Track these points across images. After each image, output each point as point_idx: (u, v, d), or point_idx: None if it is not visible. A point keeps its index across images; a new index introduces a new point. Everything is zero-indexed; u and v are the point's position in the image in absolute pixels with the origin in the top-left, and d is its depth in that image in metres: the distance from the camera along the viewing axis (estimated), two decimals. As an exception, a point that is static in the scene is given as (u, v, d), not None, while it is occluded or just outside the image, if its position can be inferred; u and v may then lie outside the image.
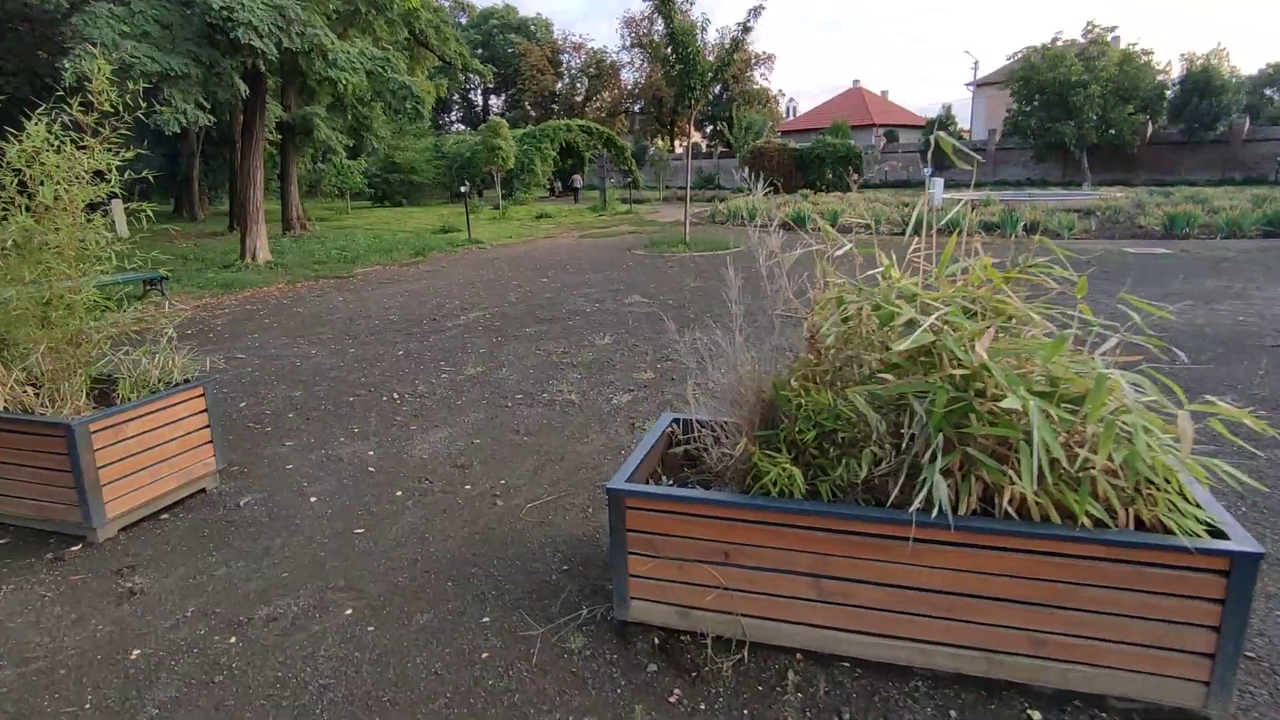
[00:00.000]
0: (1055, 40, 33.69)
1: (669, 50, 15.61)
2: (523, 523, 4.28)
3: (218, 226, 25.45)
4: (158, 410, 4.38)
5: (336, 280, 13.71)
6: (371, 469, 5.10)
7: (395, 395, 6.66)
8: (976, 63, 61.76)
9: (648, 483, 3.27)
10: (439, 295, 11.71)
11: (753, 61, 48.43)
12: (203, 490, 4.77)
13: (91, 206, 4.54)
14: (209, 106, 13.27)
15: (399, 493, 4.72)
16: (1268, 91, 43.38)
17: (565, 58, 57.61)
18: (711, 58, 16.72)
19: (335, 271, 14.36)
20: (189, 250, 18.69)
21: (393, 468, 5.11)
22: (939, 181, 24.02)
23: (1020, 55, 35.24)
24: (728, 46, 16.98)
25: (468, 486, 4.78)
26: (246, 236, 14.67)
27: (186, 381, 4.64)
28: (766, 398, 3.20)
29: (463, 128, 59.21)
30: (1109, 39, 33.19)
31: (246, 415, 6.26)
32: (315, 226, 23.60)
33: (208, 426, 4.74)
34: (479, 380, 7.04)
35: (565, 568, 3.78)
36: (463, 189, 21.53)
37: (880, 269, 3.13)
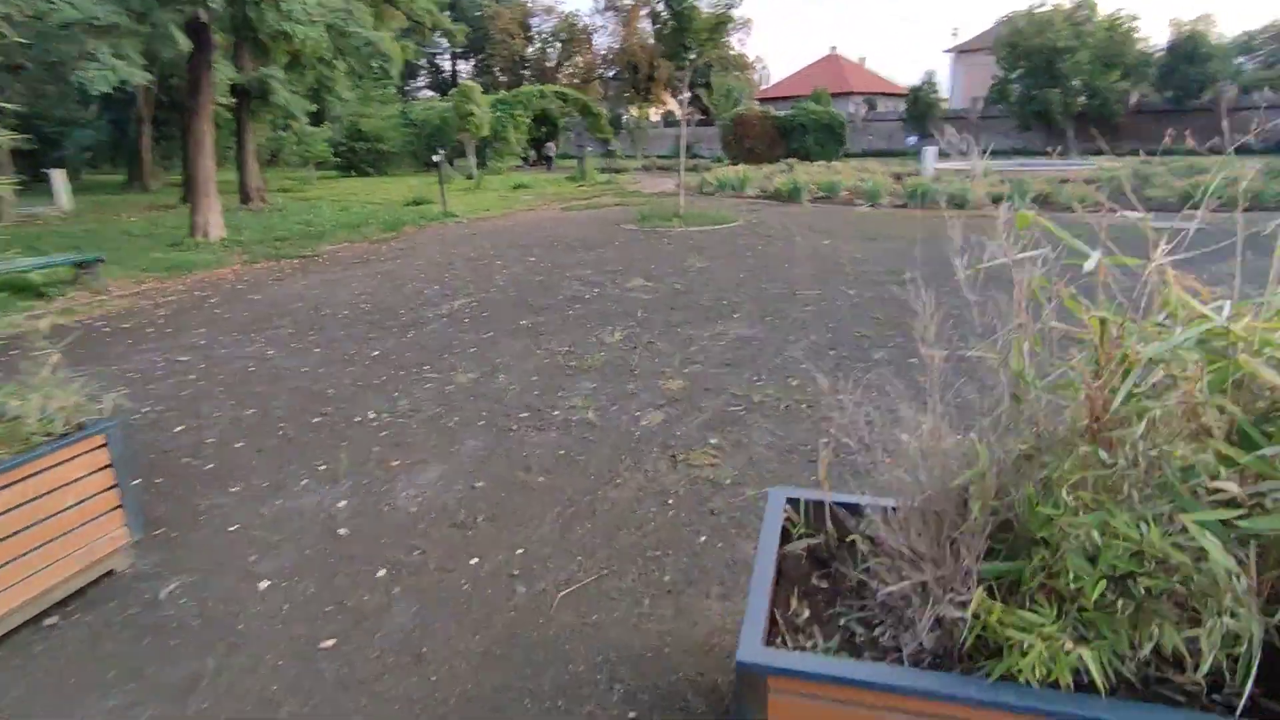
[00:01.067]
0: (1042, 3, 32.53)
1: (659, 4, 14.05)
2: (556, 624, 3.06)
3: (171, 198, 23.40)
4: (34, 475, 3.05)
5: (300, 260, 12.17)
6: (343, 531, 3.82)
7: (371, 414, 5.35)
8: (956, 29, 60.29)
9: (786, 637, 2.06)
10: (416, 278, 10.29)
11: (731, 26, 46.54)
12: (111, 573, 3.46)
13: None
14: (147, 64, 11.52)
15: (381, 572, 3.46)
16: (1239, 60, 42.87)
17: (536, 21, 55.06)
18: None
19: (298, 250, 12.79)
20: (137, 225, 16.88)
21: (371, 529, 3.84)
22: (931, 150, 22.89)
23: (1005, 19, 34.04)
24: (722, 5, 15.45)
25: (474, 560, 3.54)
26: (196, 211, 13.00)
27: (80, 429, 3.29)
28: (990, 502, 1.99)
29: (431, 94, 56.52)
30: (1095, 2, 32.12)
31: (183, 446, 4.91)
32: (276, 199, 21.75)
33: (115, 487, 3.42)
34: (472, 391, 5.75)
35: (633, 715, 2.57)
36: (435, 158, 19.84)
37: (1165, 289, 1.91)
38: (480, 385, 5.87)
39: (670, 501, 4.03)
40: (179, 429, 5.20)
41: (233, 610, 3.21)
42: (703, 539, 3.67)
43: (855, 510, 2.52)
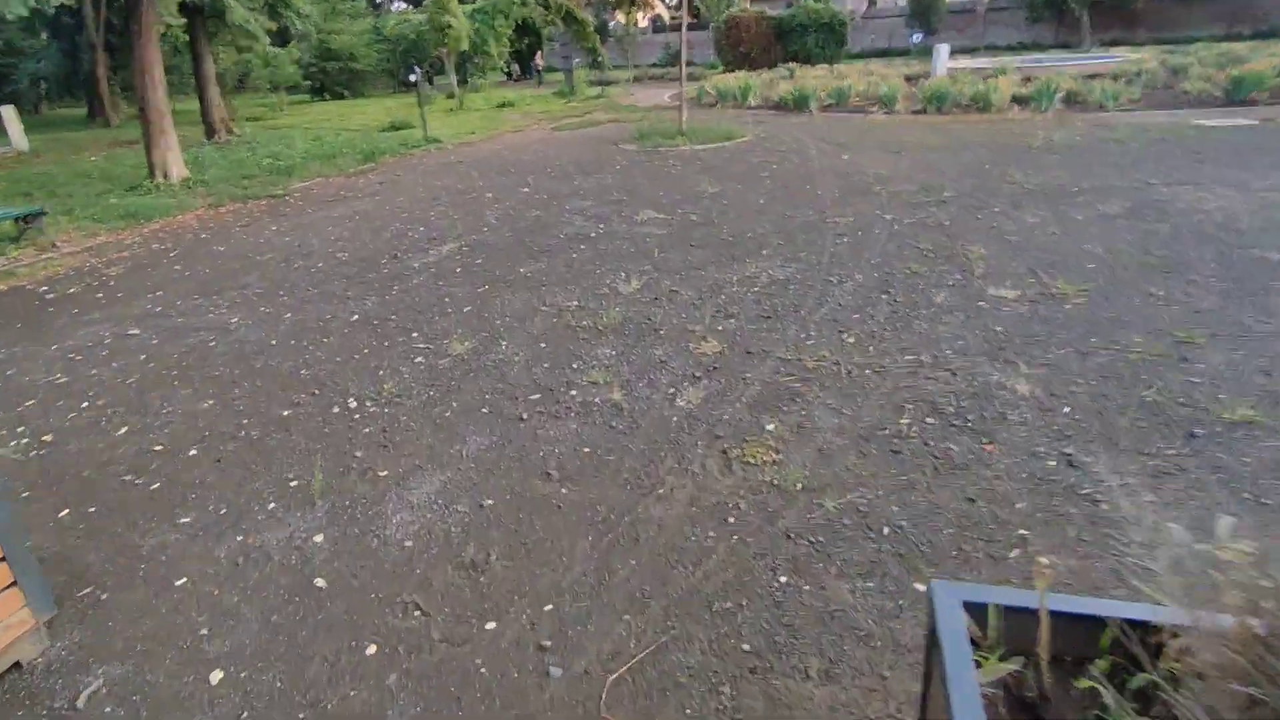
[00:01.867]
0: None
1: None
2: (610, 735, 2.24)
3: (134, 133, 21.65)
4: None
5: (269, 201, 10.94)
6: (320, 583, 2.96)
7: (352, 402, 4.42)
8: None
9: None
10: (398, 218, 9.14)
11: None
12: (17, 666, 2.61)
13: None
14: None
15: (371, 649, 2.62)
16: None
17: (510, -80, 50.63)
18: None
19: (268, 188, 11.52)
20: (96, 165, 15.44)
21: (356, 577, 2.98)
22: (943, 48, 21.08)
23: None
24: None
25: (490, 624, 2.69)
26: (152, 149, 11.63)
27: (-62, 490, 2.36)
28: None
29: (403, 5, 52.76)
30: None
31: (125, 457, 4.00)
32: (245, 129, 20.08)
33: (3, 560, 2.52)
34: (470, 365, 4.80)
35: None
36: (412, 77, 18.14)
37: None
38: (479, 356, 4.91)
39: (731, 520, 3.17)
40: (122, 430, 4.27)
41: (174, 722, 2.37)
42: (782, 579, 2.82)
43: (1082, 622, 1.63)
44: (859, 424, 3.84)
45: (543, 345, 5.03)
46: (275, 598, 2.89)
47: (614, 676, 2.43)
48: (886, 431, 3.75)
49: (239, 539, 3.24)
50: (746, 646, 2.53)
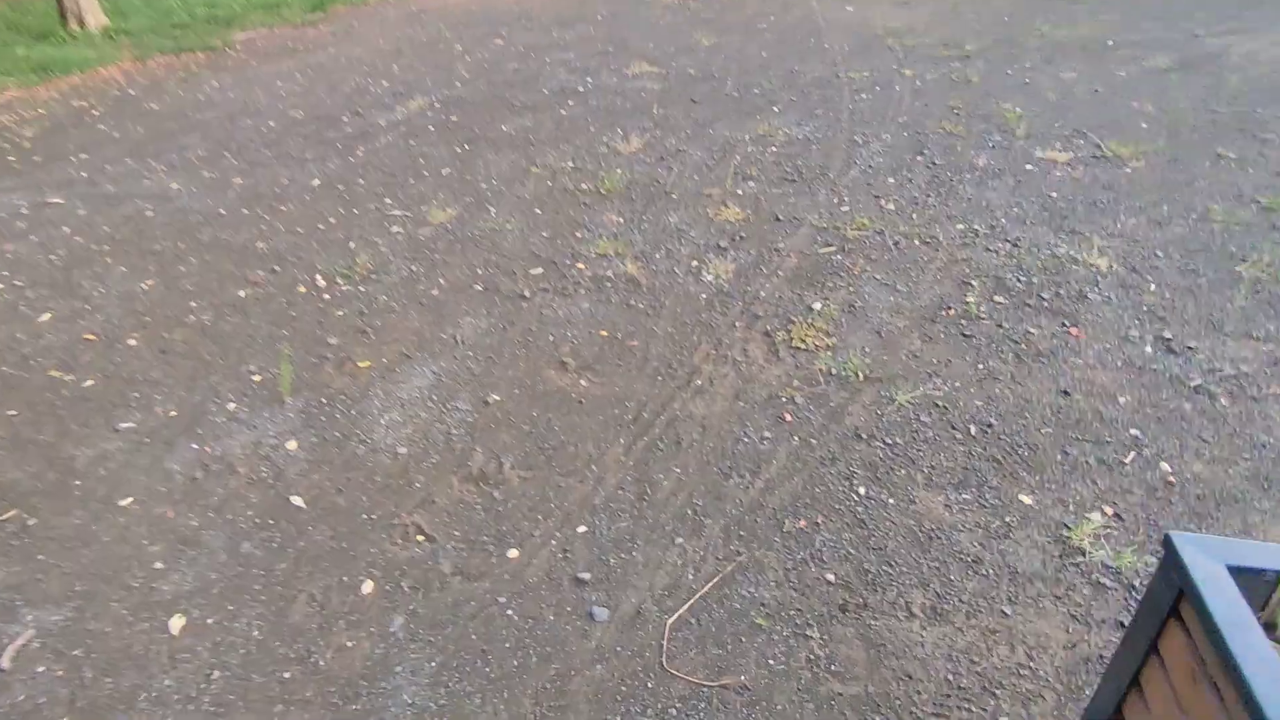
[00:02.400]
0: None
1: None
2: (678, 695, 1.76)
3: (46, -23, 18.84)
4: None
5: (207, 54, 9.46)
6: (298, 500, 2.38)
7: (320, 279, 3.68)
8: None
9: None
10: (357, 72, 7.91)
11: None
12: (-85, 616, 2.02)
13: None
14: None
15: (368, 586, 2.08)
16: None
17: None
18: None
19: (204, 39, 9.96)
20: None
21: (342, 492, 2.40)
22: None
23: None
24: None
25: (512, 552, 2.16)
26: (64, -10, 9.88)
27: None
28: None
29: None
30: None
31: (53, 348, 3.27)
32: (175, -27, 17.51)
33: None
34: (456, 235, 4.05)
35: None
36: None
37: None
38: (466, 225, 4.15)
39: (788, 418, 2.62)
40: (46, 316, 3.51)
41: (123, 694, 1.84)
42: (861, 490, 2.31)
43: None
44: (917, 302, 3.25)
45: (538, 212, 4.26)
46: (244, 521, 2.31)
47: (673, 619, 1.94)
48: (952, 311, 3.17)
49: (194, 447, 2.62)
50: (831, 577, 2.04)
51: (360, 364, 3.02)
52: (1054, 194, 4.22)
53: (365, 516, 2.30)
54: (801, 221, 4.01)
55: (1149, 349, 2.90)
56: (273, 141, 5.65)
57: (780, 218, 4.05)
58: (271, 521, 2.29)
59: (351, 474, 2.47)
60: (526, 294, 3.45)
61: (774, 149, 5.03)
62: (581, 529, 2.23)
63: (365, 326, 3.27)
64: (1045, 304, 3.19)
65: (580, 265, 3.68)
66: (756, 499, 2.29)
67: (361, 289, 3.56)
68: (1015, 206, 4.09)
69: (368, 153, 5.28)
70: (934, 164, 4.70)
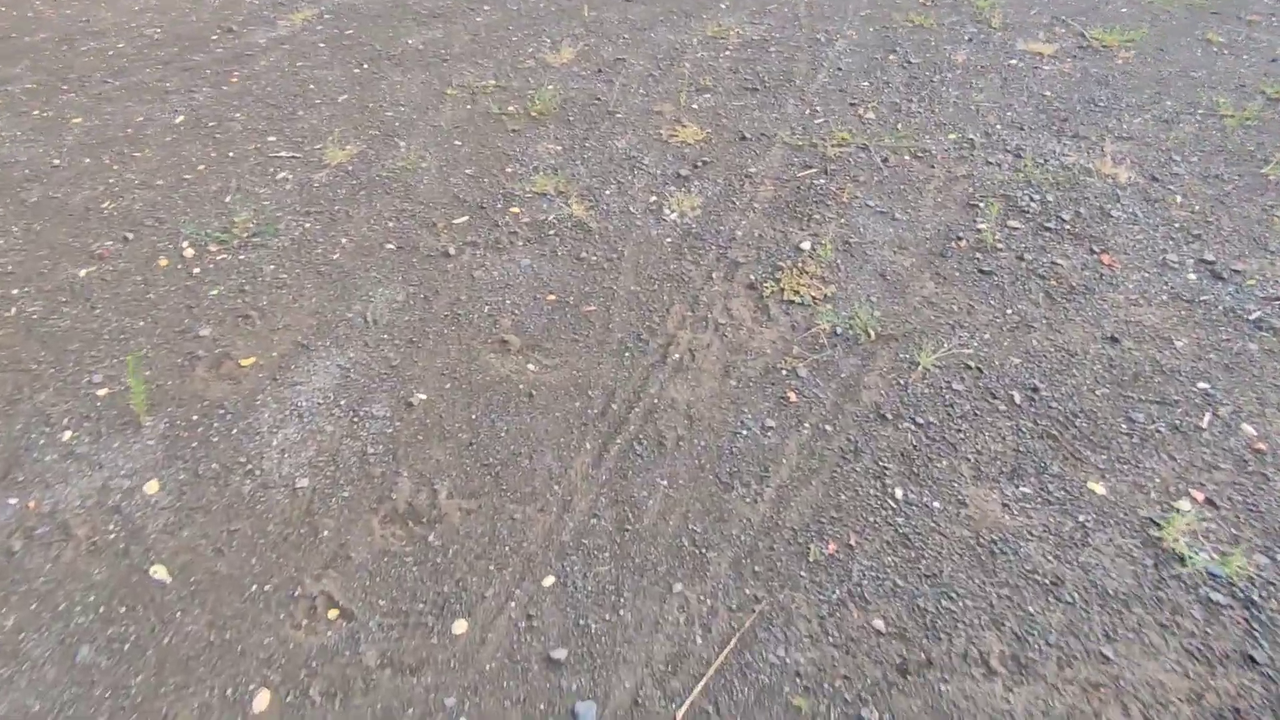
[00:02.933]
0: None
1: None
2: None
3: None
4: None
5: (46, -38, 7.81)
6: (162, 576, 1.73)
7: (187, 247, 2.86)
8: None
9: None
10: (229, -21, 6.59)
11: None
12: None
13: None
14: None
15: (262, 699, 1.48)
16: None
17: None
18: None
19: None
20: None
21: (223, 553, 1.75)
22: None
23: None
24: None
25: (459, 626, 1.58)
26: None
27: None
28: None
29: None
30: None
31: None
32: None
33: None
34: (359, 179, 3.24)
35: None
36: None
37: None
38: (371, 165, 3.34)
39: (793, 398, 2.06)
40: None
41: None
42: (898, 492, 1.80)
43: None
44: (921, 233, 2.69)
45: (458, 144, 3.47)
46: (83, 612, 1.65)
47: (683, 709, 1.42)
48: (963, 243, 2.63)
49: (12, 503, 1.90)
50: (880, 623, 1.54)
51: (243, 362, 2.30)
52: (1047, 93, 3.65)
53: (256, 588, 1.68)
54: (772, 139, 3.35)
55: (1192, 275, 2.43)
56: (122, 69, 4.55)
57: (747, 135, 3.38)
58: (123, 609, 1.65)
59: (235, 524, 1.82)
60: (451, 251, 2.74)
61: (728, 53, 4.28)
62: (548, 580, 1.66)
63: (248, 309, 2.52)
64: (1067, 227, 2.68)
65: (515, 209, 2.96)
66: (769, 516, 1.76)
67: (242, 257, 2.78)
68: (1008, 109, 3.51)
69: (245, 79, 4.29)
70: (909, 63, 4.05)
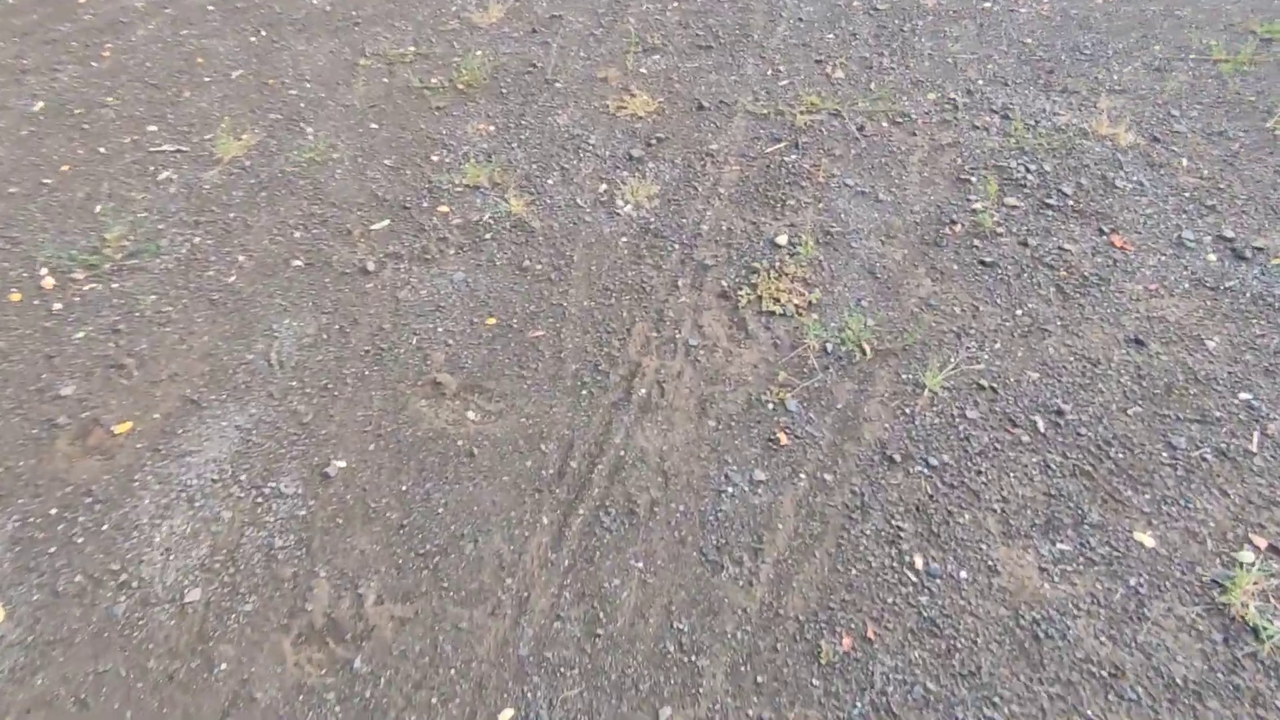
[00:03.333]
0: None
1: None
2: None
3: None
4: None
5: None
6: None
7: (44, 274, 2.33)
8: None
9: None
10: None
11: None
12: None
13: None
14: None
15: None
16: None
17: None
18: None
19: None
20: None
21: (97, 709, 1.36)
22: None
23: None
24: None
25: (398, 799, 1.23)
26: None
27: None
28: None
29: None
30: None
31: None
32: None
33: None
34: (259, 176, 2.72)
35: None
36: None
37: None
38: (273, 159, 2.81)
39: (783, 439, 1.73)
40: None
41: None
42: (917, 561, 1.49)
43: None
44: (910, 217, 2.34)
45: (375, 127, 2.95)
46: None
47: None
48: (958, 227, 2.29)
49: None
50: (916, 749, 1.24)
51: (117, 429, 1.86)
52: (1028, 40, 3.28)
53: (131, 757, 1.30)
54: (733, 107, 2.92)
55: (1212, 256, 2.14)
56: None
57: (705, 104, 2.94)
58: None
59: (105, 661, 1.42)
60: (371, 266, 2.29)
61: (676, 3, 3.78)
62: (506, 715, 1.32)
63: (123, 355, 2.05)
64: (1070, 203, 2.35)
65: (444, 208, 2.51)
66: (768, 604, 1.44)
67: (116, 286, 2.28)
68: (989, 61, 3.14)
69: (119, 53, 3.63)
70: (875, 9, 3.62)
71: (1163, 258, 2.15)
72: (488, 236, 2.38)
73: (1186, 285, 2.06)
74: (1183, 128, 2.67)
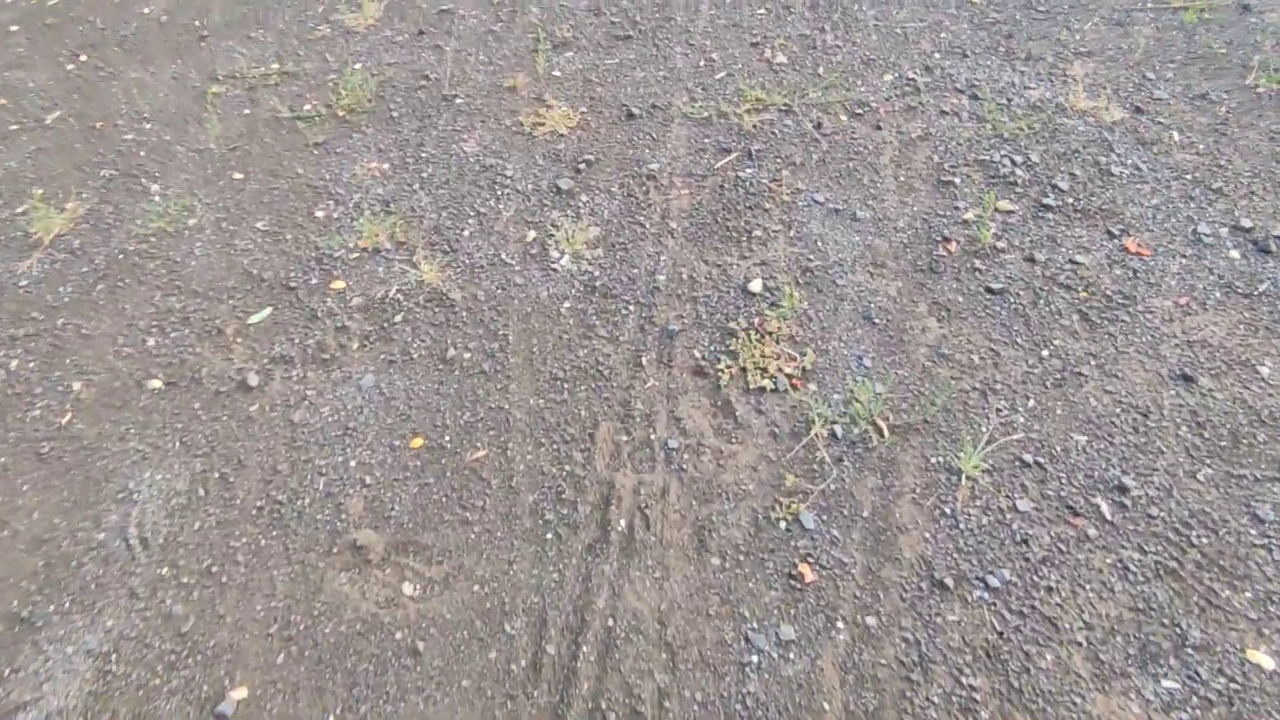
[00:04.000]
0: None
1: None
2: None
3: None
4: None
5: None
6: None
7: None
8: None
9: None
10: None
11: None
12: None
13: None
14: None
15: None
16: None
17: None
18: None
19: None
20: None
21: None
22: None
23: None
24: None
25: None
26: None
27: None
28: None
29: None
30: None
31: None
32: None
33: None
34: (95, 257, 2.10)
35: None
36: None
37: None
38: (109, 232, 2.19)
39: (806, 574, 1.35)
40: None
41: None
42: (1009, 743, 1.15)
43: None
44: (897, 237, 1.96)
45: (240, 178, 2.35)
46: None
47: None
48: (953, 245, 1.93)
49: None
50: None
51: (-86, 682, 1.32)
52: (997, 13, 2.91)
53: None
54: (668, 112, 2.46)
55: (1235, 253, 1.86)
56: None
57: (635, 111, 2.46)
58: None
59: None
60: (253, 379, 1.76)
61: (581, -15, 3.22)
62: None
63: (-80, 558, 1.49)
64: (1070, 201, 2.02)
65: (338, 283, 1.98)
66: (836, 836, 1.08)
67: (-95, 448, 1.69)
68: (940, 29, 2.76)
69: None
70: (805, -25, 3.17)
71: (1184, 260, 1.84)
72: (398, 319, 1.88)
73: (1218, 294, 1.76)
74: (1163, 93, 2.36)
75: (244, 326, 1.90)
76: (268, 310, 1.93)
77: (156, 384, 1.79)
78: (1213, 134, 2.20)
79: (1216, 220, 1.94)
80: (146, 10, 3.28)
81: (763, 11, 2.93)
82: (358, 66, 2.77)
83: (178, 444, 1.65)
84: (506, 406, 1.66)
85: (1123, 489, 1.43)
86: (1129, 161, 2.12)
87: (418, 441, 1.62)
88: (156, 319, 1.94)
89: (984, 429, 1.54)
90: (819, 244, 1.96)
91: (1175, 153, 2.15)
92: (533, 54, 2.77)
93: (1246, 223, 1.92)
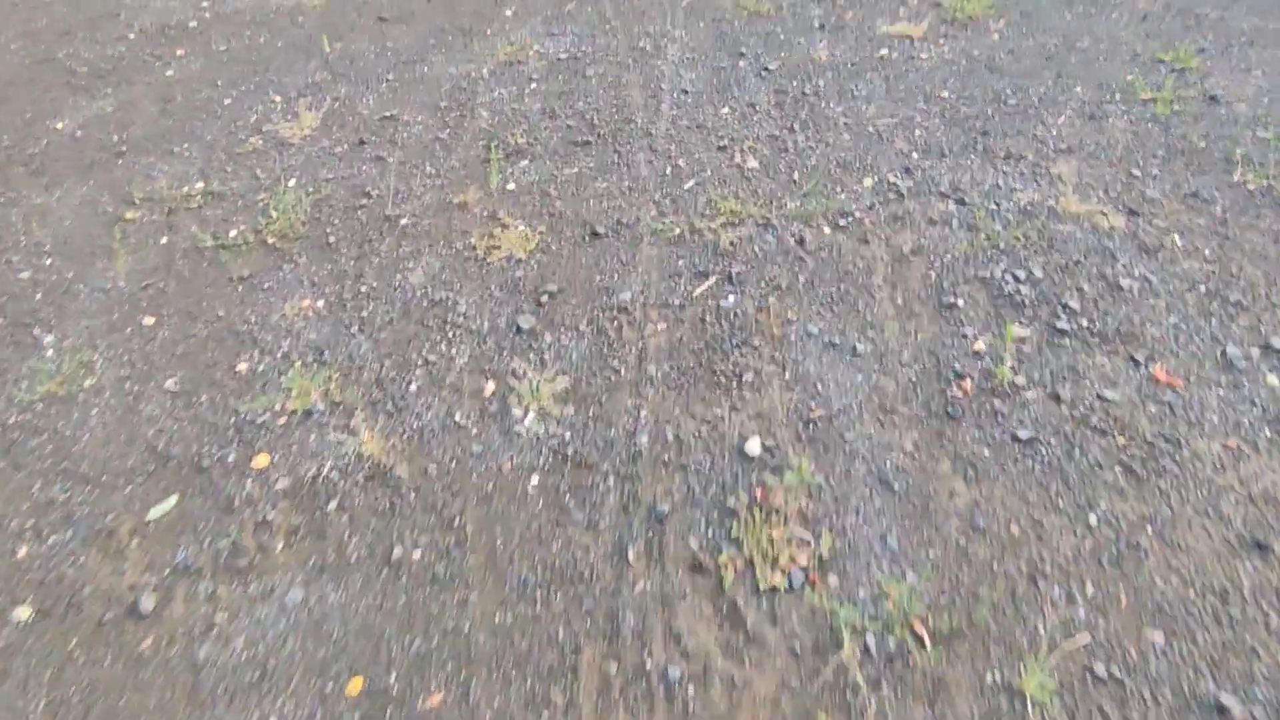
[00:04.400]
0: None
1: None
2: None
3: None
4: None
5: None
6: None
7: None
8: None
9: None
10: None
11: None
12: None
13: None
14: None
15: None
16: None
17: None
18: None
19: None
20: None
21: None
22: None
23: None
24: None
25: None
26: None
27: None
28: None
29: None
30: None
31: None
32: None
33: None
34: (-34, 442, 1.75)
35: None
36: None
37: None
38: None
39: None
40: None
41: None
42: None
43: None
44: (904, 374, 1.73)
45: (150, 323, 2.02)
46: None
47: None
48: (967, 382, 1.70)
49: None
50: None
51: None
52: (944, 93, 2.80)
53: None
54: (636, 229, 2.23)
55: (1274, 379, 1.67)
56: None
57: (599, 229, 2.23)
58: None
59: None
60: (149, 601, 1.40)
61: (535, 84, 3.05)
62: None
63: None
64: (1084, 324, 1.82)
65: (261, 459, 1.65)
66: None
67: None
68: (913, 125, 2.62)
69: None
70: (767, 70, 3.05)
71: (1221, 391, 1.65)
72: (332, 506, 1.55)
73: (1267, 432, 1.56)
74: (1154, 192, 2.23)
75: (142, 523, 1.55)
76: (173, 500, 1.59)
77: (24, 613, 1.42)
78: (1215, 237, 2.05)
79: (1243, 339, 1.76)
80: (60, 125, 2.98)
81: (727, 111, 2.78)
82: (291, 184, 2.50)
83: (41, 706, 1.28)
84: (467, 628, 1.34)
85: (1221, 710, 1.17)
86: (1136, 273, 1.95)
87: (356, 684, 1.28)
88: (33, 514, 1.58)
89: (1041, 629, 1.27)
90: (819, 387, 1.71)
91: (1181, 260, 1.99)
92: (484, 164, 2.54)
93: (1277, 342, 1.74)
